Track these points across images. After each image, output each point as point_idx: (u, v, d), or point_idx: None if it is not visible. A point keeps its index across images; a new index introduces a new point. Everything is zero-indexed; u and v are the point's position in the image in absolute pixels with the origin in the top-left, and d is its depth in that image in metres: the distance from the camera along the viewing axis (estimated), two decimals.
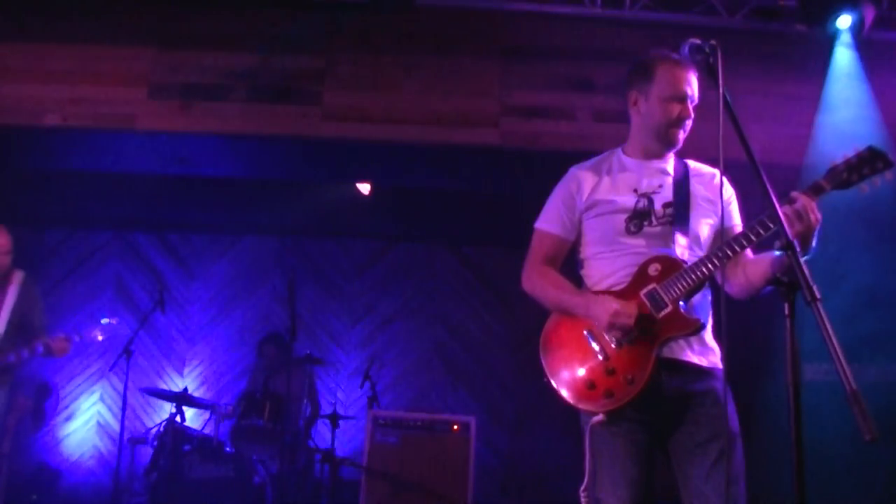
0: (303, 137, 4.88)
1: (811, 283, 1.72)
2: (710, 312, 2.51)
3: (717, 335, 2.46)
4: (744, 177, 2.01)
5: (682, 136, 2.56)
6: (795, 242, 1.84)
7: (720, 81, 2.10)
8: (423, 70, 4.95)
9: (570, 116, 4.85)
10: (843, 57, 4.72)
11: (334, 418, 5.72)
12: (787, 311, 1.78)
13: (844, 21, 4.60)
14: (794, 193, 2.27)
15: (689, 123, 2.54)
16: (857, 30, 4.62)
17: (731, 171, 2.35)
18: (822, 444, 4.05)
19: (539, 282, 2.59)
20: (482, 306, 7.35)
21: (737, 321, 2.09)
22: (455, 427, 5.35)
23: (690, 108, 2.52)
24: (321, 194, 6.36)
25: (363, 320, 7.38)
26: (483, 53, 4.99)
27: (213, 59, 4.91)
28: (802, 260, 1.80)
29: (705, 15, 4.88)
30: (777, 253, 2.21)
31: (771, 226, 2.24)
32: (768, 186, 1.94)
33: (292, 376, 5.27)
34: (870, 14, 4.54)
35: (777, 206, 1.95)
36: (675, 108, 2.50)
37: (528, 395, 7.08)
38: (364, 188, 6.10)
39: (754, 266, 2.43)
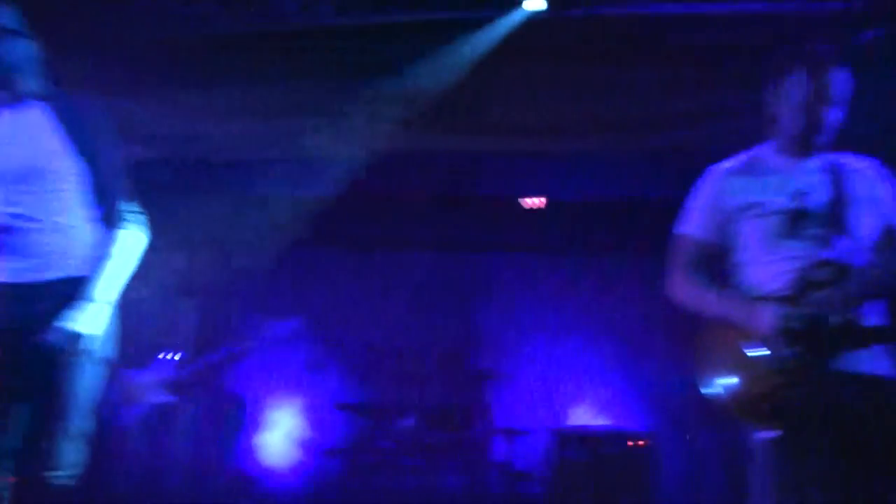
0: None
1: None
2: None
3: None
4: None
5: (821, 139, 2.34)
6: None
7: None
8: None
9: None
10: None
11: (510, 432, 5.75)
12: None
13: None
14: None
15: (827, 124, 2.32)
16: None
17: None
18: None
19: (689, 290, 2.44)
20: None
21: None
22: (640, 442, 5.24)
23: (826, 109, 2.30)
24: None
25: (535, 334, 7.31)
26: None
27: None
28: None
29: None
30: None
31: None
32: None
33: (470, 390, 5.35)
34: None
35: None
36: (807, 110, 2.31)
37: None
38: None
39: None
